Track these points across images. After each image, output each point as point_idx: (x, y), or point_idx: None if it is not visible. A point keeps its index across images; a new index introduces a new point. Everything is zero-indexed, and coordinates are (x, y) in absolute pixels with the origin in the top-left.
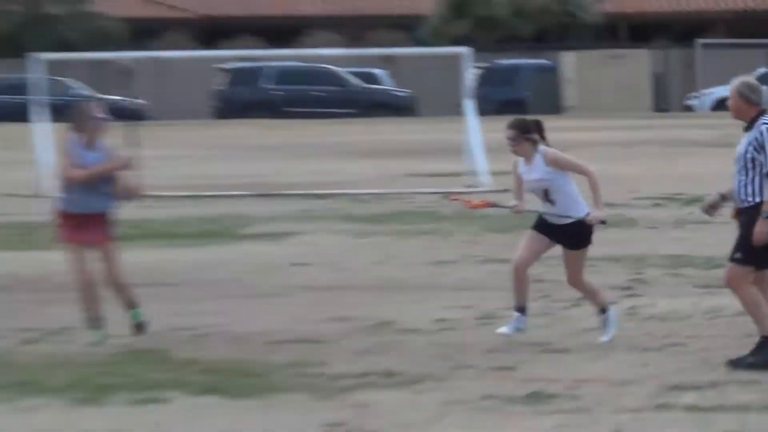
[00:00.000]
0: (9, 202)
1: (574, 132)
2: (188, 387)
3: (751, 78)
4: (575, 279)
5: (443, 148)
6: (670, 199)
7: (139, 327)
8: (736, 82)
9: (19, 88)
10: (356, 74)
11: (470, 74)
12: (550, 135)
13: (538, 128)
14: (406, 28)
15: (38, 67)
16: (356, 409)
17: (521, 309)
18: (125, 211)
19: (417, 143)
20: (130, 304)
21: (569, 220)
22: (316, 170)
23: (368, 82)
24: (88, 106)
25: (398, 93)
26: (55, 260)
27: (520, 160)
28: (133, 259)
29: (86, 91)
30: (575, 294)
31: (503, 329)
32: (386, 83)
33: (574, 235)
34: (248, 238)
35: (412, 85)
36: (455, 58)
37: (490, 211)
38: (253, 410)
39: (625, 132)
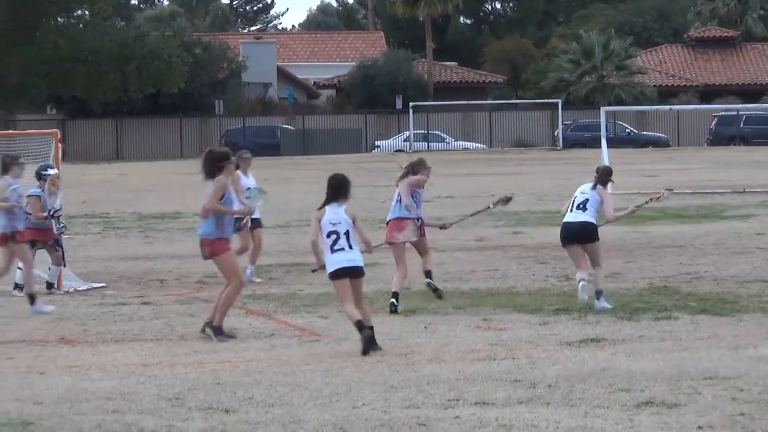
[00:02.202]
0: None
1: None
2: (688, 309)
3: None
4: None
5: None
6: None
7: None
8: None
9: (590, 128)
10: None
11: None
12: None
13: None
14: None
15: (605, 114)
16: None
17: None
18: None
19: None
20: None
21: None
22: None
23: None
24: None
25: None
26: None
27: None
28: (658, 231)
29: (629, 129)
30: None
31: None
32: None
33: None
34: (727, 218)
35: None
36: None
37: None
38: (727, 323)
39: None
